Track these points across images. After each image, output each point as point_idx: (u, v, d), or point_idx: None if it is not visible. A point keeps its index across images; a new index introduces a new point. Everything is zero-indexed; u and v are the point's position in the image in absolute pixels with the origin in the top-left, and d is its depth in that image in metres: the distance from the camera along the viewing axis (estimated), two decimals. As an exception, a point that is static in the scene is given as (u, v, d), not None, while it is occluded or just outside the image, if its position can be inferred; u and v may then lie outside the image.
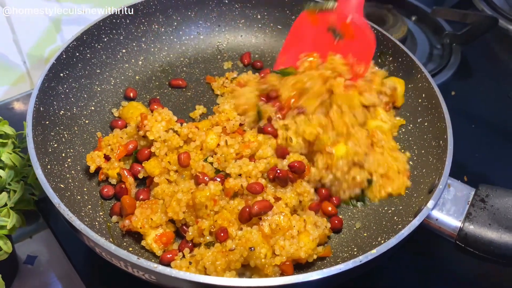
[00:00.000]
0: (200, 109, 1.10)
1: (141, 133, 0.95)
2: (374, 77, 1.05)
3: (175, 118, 0.97)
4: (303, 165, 0.93)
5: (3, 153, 0.87)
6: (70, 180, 0.91)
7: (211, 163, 0.94)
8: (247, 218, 0.84)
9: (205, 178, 0.89)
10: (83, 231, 0.74)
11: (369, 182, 0.96)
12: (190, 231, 0.86)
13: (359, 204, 0.97)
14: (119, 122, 1.03)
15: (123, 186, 0.93)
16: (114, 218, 0.89)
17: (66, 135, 0.97)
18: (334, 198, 0.96)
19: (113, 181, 0.95)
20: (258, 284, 0.70)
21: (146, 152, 0.95)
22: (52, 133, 0.94)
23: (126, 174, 0.94)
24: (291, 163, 0.93)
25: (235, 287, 0.70)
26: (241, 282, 0.70)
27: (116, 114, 1.06)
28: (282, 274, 0.82)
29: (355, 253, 0.88)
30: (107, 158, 0.95)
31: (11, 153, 0.88)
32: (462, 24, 1.49)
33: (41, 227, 1.03)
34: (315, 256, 0.85)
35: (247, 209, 0.84)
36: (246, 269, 0.82)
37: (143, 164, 0.93)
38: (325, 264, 0.87)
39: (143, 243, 0.85)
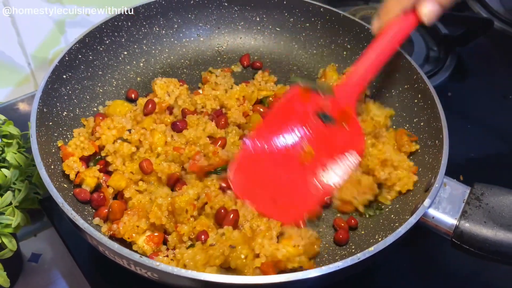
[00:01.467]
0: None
1: (92, 138, 0.94)
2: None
3: (128, 125, 0.95)
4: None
5: (8, 153, 0.87)
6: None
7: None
8: (223, 219, 0.85)
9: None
10: (87, 230, 0.74)
11: (379, 186, 0.95)
12: (170, 239, 0.85)
13: (377, 212, 0.95)
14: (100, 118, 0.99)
15: (102, 195, 0.89)
16: (97, 220, 0.86)
17: (69, 136, 0.97)
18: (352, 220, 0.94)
19: (87, 188, 0.91)
20: (258, 281, 0.70)
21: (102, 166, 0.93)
22: (56, 134, 0.94)
23: (105, 185, 0.91)
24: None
25: (234, 285, 0.70)
26: (241, 280, 0.70)
27: (102, 111, 1.05)
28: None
29: (353, 250, 0.89)
30: (86, 160, 0.93)
31: (16, 153, 0.88)
32: (458, 26, 1.49)
33: (45, 225, 1.03)
34: (296, 264, 0.82)
35: (222, 210, 0.85)
36: (228, 271, 0.81)
37: (107, 183, 0.91)
38: (323, 262, 0.88)
39: (134, 247, 0.84)
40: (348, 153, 0.96)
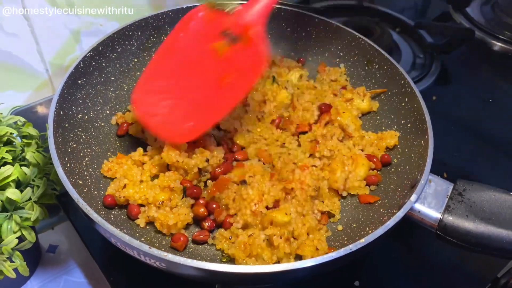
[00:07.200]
0: None
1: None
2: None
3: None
4: None
5: (28, 152, 0.88)
6: (87, 177, 0.92)
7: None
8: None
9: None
10: (100, 223, 0.74)
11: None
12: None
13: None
14: None
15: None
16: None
17: (84, 137, 0.97)
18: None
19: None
20: (258, 270, 0.70)
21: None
22: (71, 135, 0.94)
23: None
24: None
25: (235, 274, 0.70)
26: (242, 269, 0.70)
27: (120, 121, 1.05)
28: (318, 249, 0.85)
29: (346, 242, 0.88)
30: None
31: (34, 152, 0.88)
32: (442, 35, 1.50)
33: (62, 219, 1.03)
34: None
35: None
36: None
37: (121, 194, 0.89)
38: (318, 252, 0.87)
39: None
40: (248, 73, 0.91)
